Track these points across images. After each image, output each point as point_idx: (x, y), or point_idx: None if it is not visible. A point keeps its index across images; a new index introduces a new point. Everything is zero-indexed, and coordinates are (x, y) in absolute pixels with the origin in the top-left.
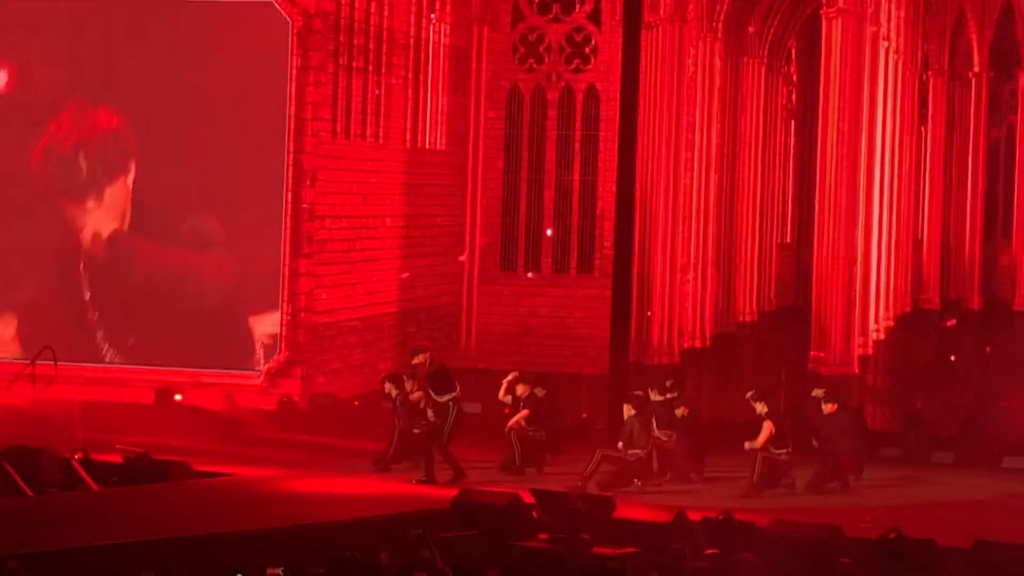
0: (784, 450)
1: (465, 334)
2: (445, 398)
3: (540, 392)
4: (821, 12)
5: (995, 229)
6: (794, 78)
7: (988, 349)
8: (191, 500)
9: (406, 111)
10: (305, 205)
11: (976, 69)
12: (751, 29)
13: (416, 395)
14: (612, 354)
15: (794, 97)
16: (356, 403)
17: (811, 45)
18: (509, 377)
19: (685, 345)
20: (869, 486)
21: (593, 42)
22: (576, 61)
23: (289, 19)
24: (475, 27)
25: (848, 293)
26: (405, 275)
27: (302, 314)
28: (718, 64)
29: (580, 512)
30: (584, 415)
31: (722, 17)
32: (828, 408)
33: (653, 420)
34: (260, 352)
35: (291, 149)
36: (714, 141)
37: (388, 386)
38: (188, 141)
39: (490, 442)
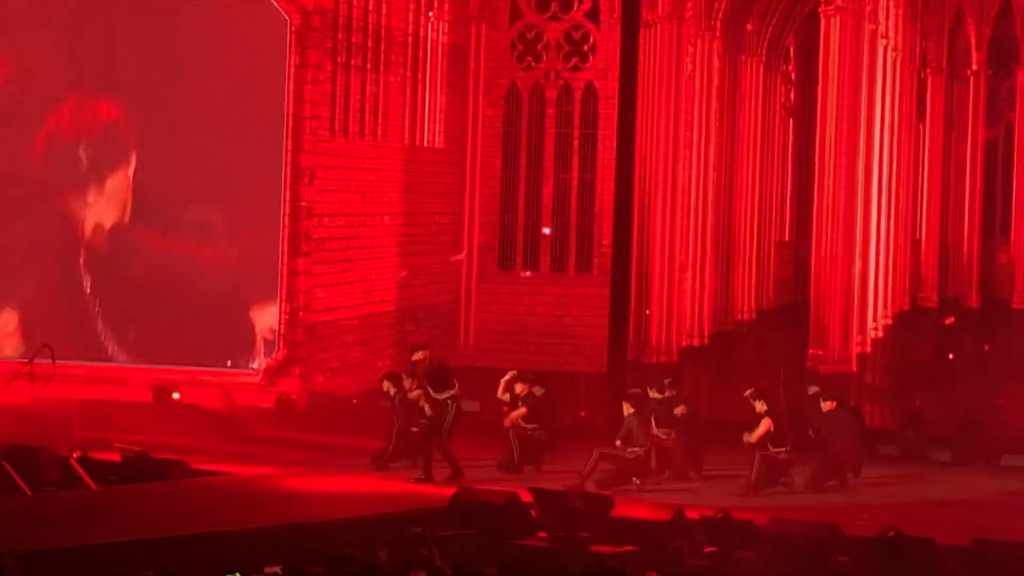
0: (783, 448)
1: (463, 332)
2: (444, 395)
3: (538, 391)
4: (819, 10)
5: (993, 227)
6: (792, 76)
7: (986, 347)
8: (189, 499)
9: (404, 109)
10: (303, 203)
11: (974, 67)
12: (749, 27)
13: (415, 393)
14: (610, 352)
15: (792, 95)
16: (354, 401)
17: (809, 43)
18: (507, 376)
19: (684, 343)
20: (867, 484)
21: (591, 40)
22: (574, 59)
23: (287, 17)
24: (473, 25)
25: (847, 291)
26: (404, 273)
27: (300, 312)
28: (716, 62)
29: (578, 511)
30: (582, 413)
31: (720, 15)
32: (827, 406)
33: (652, 418)
34: (261, 345)
35: (289, 147)
36: (712, 139)
37: (386, 384)
38: (188, 135)
39: (488, 440)
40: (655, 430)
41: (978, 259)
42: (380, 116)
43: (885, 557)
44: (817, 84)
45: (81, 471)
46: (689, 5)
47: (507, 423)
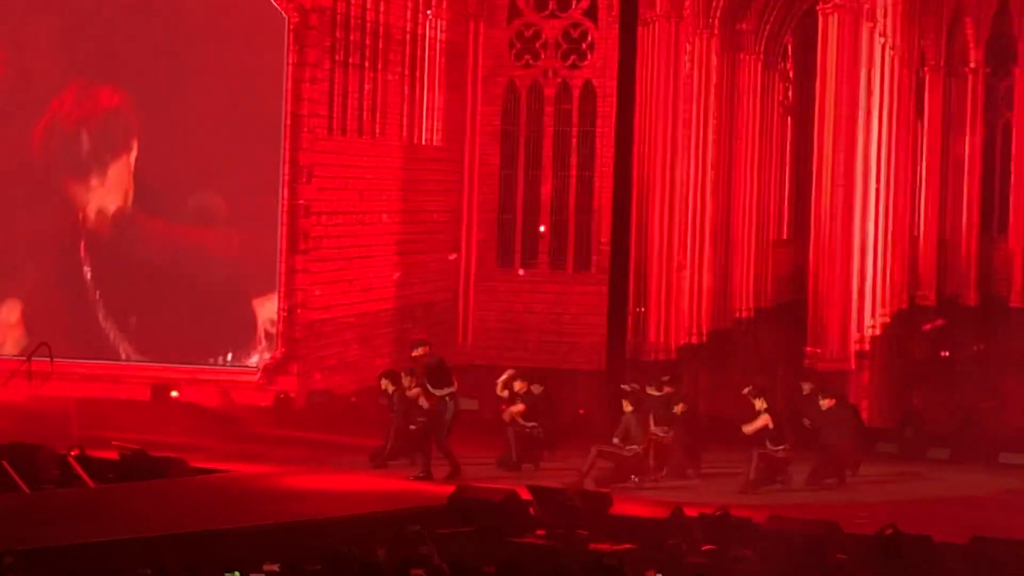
0: (781, 447)
1: (462, 330)
2: (442, 392)
3: (537, 389)
4: (817, 8)
5: (991, 225)
6: (790, 74)
7: (984, 345)
8: (187, 497)
9: (402, 107)
10: (301, 201)
11: (972, 65)
12: (747, 25)
13: (414, 392)
14: (609, 350)
15: (790, 93)
16: (353, 399)
17: (807, 41)
18: (504, 376)
19: (682, 341)
20: (866, 482)
21: (589, 38)
22: (572, 57)
23: (285, 15)
24: (471, 23)
25: (845, 289)
26: (396, 275)
27: (298, 310)
28: (714, 60)
29: (577, 508)
30: (581, 411)
31: (718, 13)
32: (826, 403)
33: (650, 416)
34: (263, 336)
35: (287, 145)
36: (710, 137)
37: (385, 382)
38: (187, 133)
39: (487, 438)
40: (654, 428)
41: (976, 257)
42: (378, 114)
43: (883, 555)
44: (815, 82)
45: (79, 469)
46: (687, 3)
47: (506, 417)
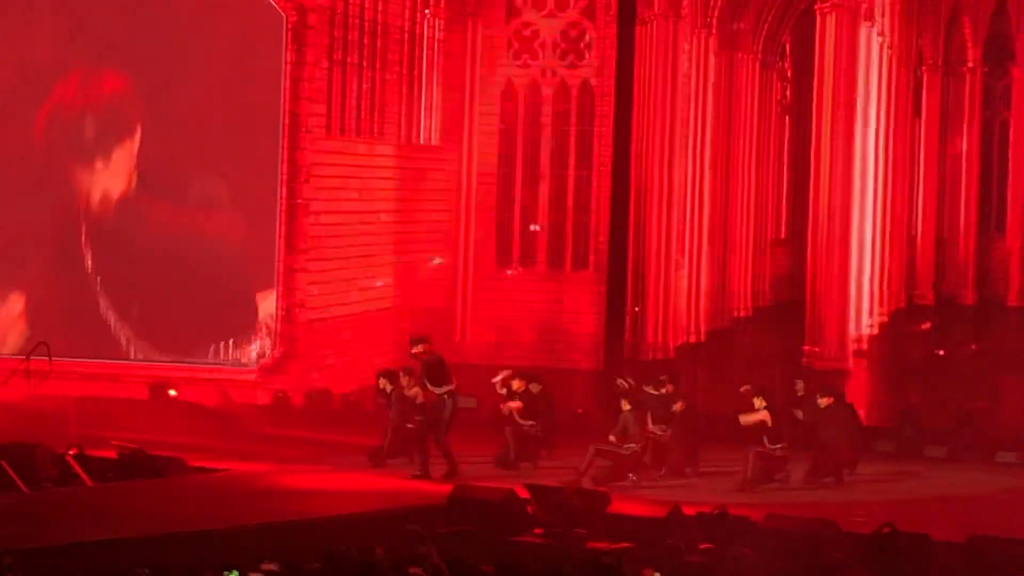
0: (779, 445)
1: (460, 329)
2: (441, 390)
3: (535, 388)
4: (815, 7)
5: (989, 224)
6: (788, 73)
7: (982, 344)
8: (186, 495)
9: (400, 106)
10: (300, 201)
11: (970, 64)
12: (745, 24)
13: (412, 391)
14: (607, 349)
15: (788, 92)
16: (351, 398)
17: (805, 40)
18: (502, 375)
19: (680, 340)
20: (863, 481)
21: (587, 38)
22: (570, 57)
23: (283, 14)
24: (469, 22)
25: (843, 289)
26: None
27: (297, 309)
28: (712, 60)
29: (575, 507)
30: (579, 410)
31: (716, 13)
32: (823, 401)
33: (648, 415)
34: (263, 327)
35: (285, 144)
36: (708, 137)
37: (383, 381)
38: (186, 130)
39: (485, 437)
40: (651, 427)
41: (974, 256)
42: (376, 113)
43: (881, 553)
44: (813, 81)
45: (78, 468)
46: (685, 2)
47: (504, 411)
